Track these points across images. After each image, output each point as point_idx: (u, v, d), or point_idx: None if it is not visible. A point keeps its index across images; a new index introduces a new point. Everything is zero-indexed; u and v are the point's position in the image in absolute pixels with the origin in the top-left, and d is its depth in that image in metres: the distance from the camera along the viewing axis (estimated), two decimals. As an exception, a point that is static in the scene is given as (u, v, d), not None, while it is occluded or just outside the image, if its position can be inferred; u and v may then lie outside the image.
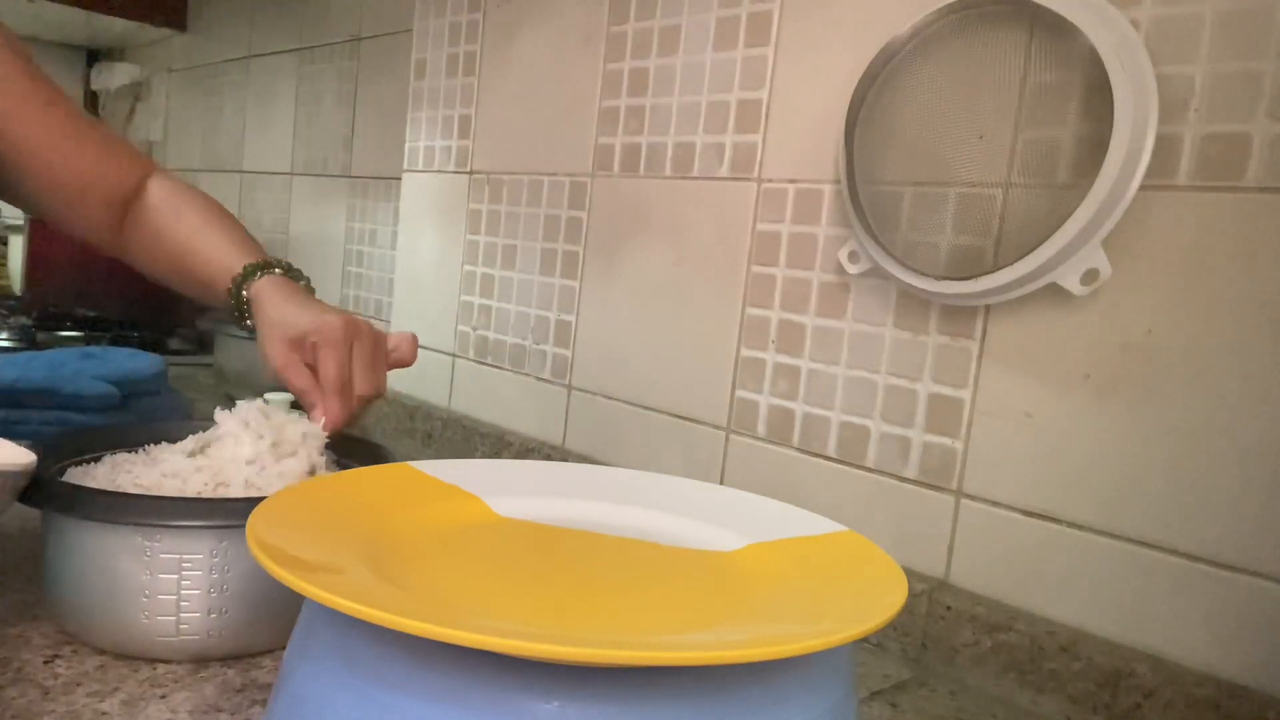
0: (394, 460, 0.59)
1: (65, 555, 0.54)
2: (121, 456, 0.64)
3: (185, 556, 0.53)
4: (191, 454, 0.64)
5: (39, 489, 0.55)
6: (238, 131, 1.90)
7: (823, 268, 0.77)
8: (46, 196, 0.78)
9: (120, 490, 0.57)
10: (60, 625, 0.57)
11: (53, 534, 0.55)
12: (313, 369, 0.67)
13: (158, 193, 0.81)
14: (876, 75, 0.69)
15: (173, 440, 0.67)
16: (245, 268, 0.74)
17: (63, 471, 0.60)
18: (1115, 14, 0.59)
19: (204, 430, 0.68)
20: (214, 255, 0.76)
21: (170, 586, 0.53)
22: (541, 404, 1.03)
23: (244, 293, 0.73)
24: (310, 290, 0.76)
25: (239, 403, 0.64)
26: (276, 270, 0.74)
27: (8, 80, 0.74)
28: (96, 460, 0.63)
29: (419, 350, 0.72)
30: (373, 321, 1.44)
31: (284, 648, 0.40)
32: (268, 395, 1.14)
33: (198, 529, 0.53)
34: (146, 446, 0.66)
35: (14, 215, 1.72)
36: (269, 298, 0.71)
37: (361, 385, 0.66)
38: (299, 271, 0.77)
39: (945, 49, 0.67)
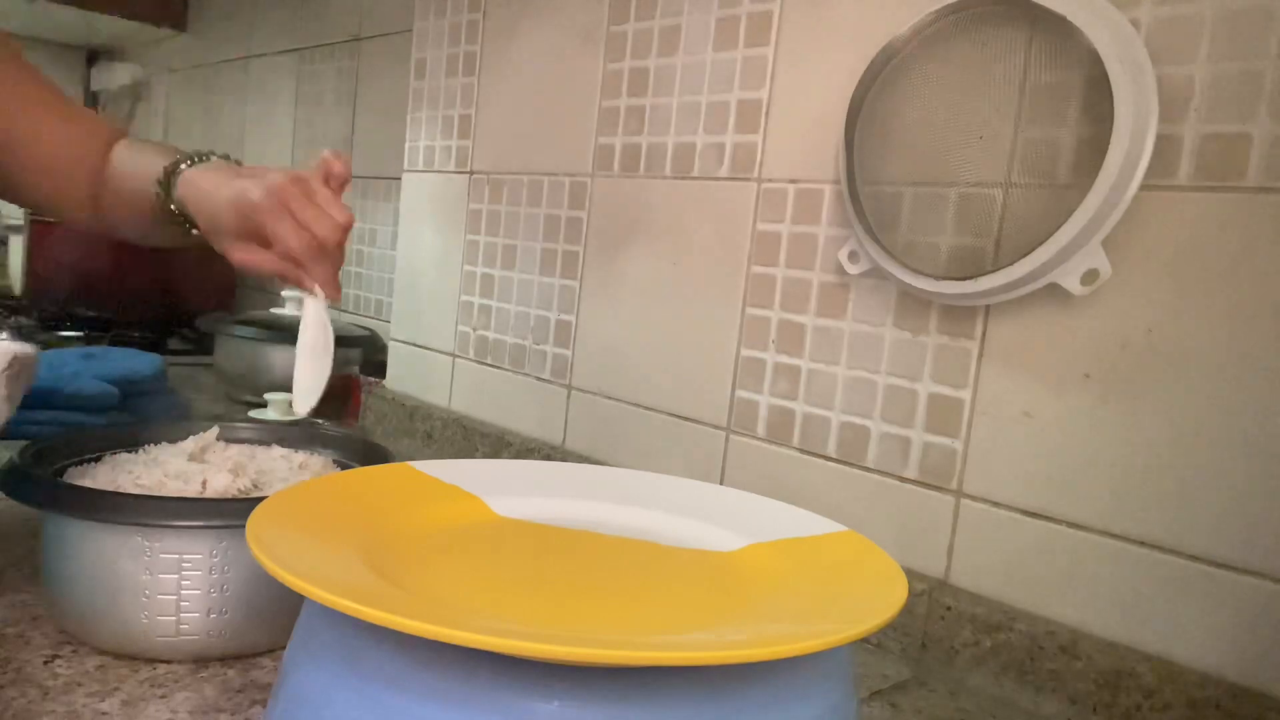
0: (394, 460, 0.59)
1: (65, 555, 0.54)
2: (121, 456, 0.64)
3: (185, 556, 0.53)
4: (192, 455, 0.64)
5: (39, 489, 0.55)
6: (238, 132, 1.90)
7: (823, 268, 0.77)
8: (37, 179, 0.75)
9: (120, 490, 0.57)
10: (60, 625, 0.57)
11: (53, 534, 0.55)
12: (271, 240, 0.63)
13: (119, 151, 0.77)
14: (876, 75, 0.69)
15: (173, 440, 0.67)
16: (165, 168, 0.68)
17: (63, 471, 0.60)
18: (1115, 14, 0.59)
19: (204, 430, 0.69)
20: (147, 169, 0.70)
21: (170, 586, 0.53)
22: (541, 404, 1.03)
23: (172, 190, 0.68)
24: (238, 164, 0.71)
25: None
26: (202, 160, 0.69)
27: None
28: (96, 460, 0.63)
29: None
30: (372, 322, 1.44)
31: (284, 648, 0.40)
32: (268, 396, 1.14)
33: (198, 529, 0.53)
34: (146, 446, 0.66)
35: (14, 215, 1.71)
36: (196, 190, 0.66)
37: (325, 231, 0.63)
38: (227, 155, 0.72)
39: (945, 49, 0.67)
